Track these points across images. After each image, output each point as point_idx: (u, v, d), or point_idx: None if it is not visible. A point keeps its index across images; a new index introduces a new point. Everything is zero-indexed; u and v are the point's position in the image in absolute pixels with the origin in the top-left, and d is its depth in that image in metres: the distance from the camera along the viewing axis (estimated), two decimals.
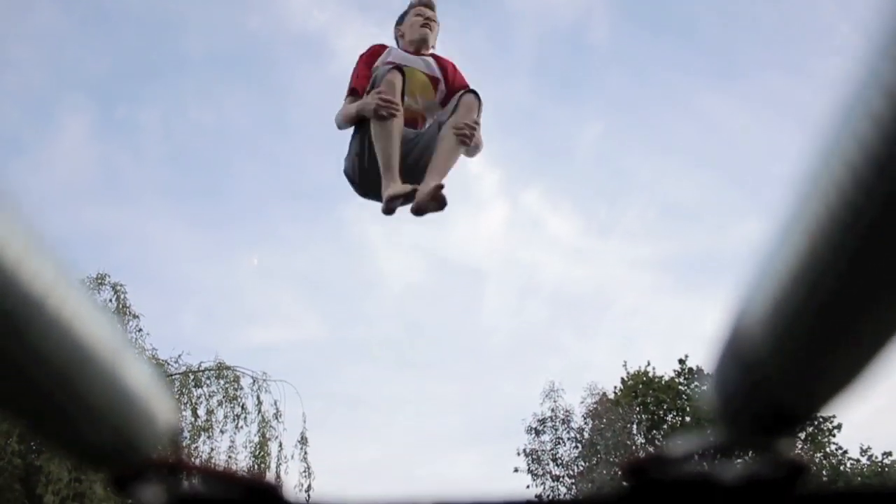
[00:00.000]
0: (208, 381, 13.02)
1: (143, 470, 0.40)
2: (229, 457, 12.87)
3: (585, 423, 18.52)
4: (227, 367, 13.15)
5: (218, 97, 22.94)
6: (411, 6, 2.95)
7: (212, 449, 12.85)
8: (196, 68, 22.98)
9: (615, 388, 20.61)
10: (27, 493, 10.03)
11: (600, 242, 26.57)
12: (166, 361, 12.90)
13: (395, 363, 24.28)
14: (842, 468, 19.03)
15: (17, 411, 0.35)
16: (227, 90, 23.42)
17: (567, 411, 18.70)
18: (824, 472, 18.24)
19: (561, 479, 18.27)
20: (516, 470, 18.91)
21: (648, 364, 21.13)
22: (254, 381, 13.14)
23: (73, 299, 0.32)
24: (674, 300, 25.96)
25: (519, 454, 18.91)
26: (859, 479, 17.38)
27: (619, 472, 0.38)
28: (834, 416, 18.01)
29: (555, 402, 18.81)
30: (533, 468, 18.68)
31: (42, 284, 0.30)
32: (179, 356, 13.10)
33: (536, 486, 18.52)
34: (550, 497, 17.98)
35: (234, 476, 0.39)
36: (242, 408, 12.97)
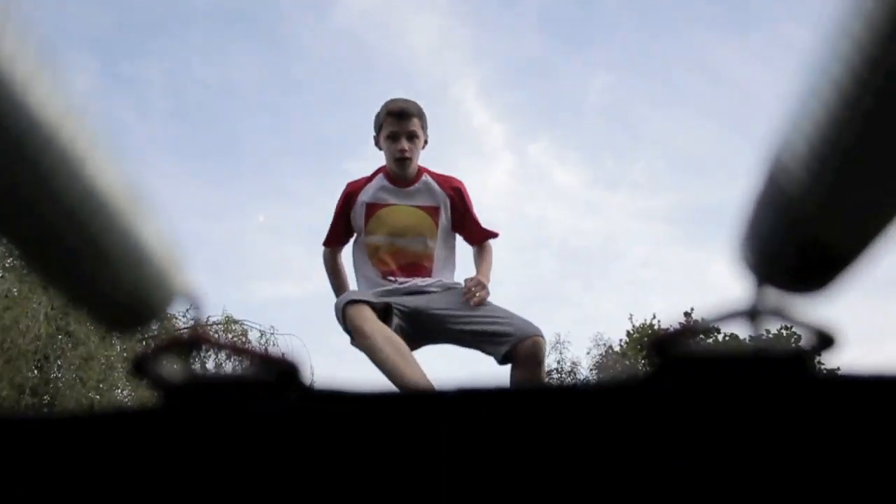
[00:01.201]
0: (216, 335, 13.10)
1: (163, 348, 0.38)
2: None
3: (591, 374, 18.66)
4: (235, 321, 13.26)
5: (223, 51, 22.71)
6: (380, 119, 2.29)
7: None
8: (200, 22, 22.70)
9: (621, 340, 20.74)
10: None
11: (608, 194, 26.45)
12: (174, 315, 13.00)
13: None
14: None
15: (36, 256, 0.34)
16: (231, 44, 23.15)
17: (573, 363, 18.86)
18: None
19: None
20: None
21: (654, 317, 21.22)
22: (261, 334, 13.27)
23: (89, 137, 0.31)
24: (681, 252, 25.95)
25: None
26: None
27: (649, 350, 0.37)
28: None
29: (560, 353, 18.96)
30: None
31: (55, 114, 0.29)
32: (187, 310, 13.19)
33: None
34: None
35: (256, 353, 0.38)
36: None
